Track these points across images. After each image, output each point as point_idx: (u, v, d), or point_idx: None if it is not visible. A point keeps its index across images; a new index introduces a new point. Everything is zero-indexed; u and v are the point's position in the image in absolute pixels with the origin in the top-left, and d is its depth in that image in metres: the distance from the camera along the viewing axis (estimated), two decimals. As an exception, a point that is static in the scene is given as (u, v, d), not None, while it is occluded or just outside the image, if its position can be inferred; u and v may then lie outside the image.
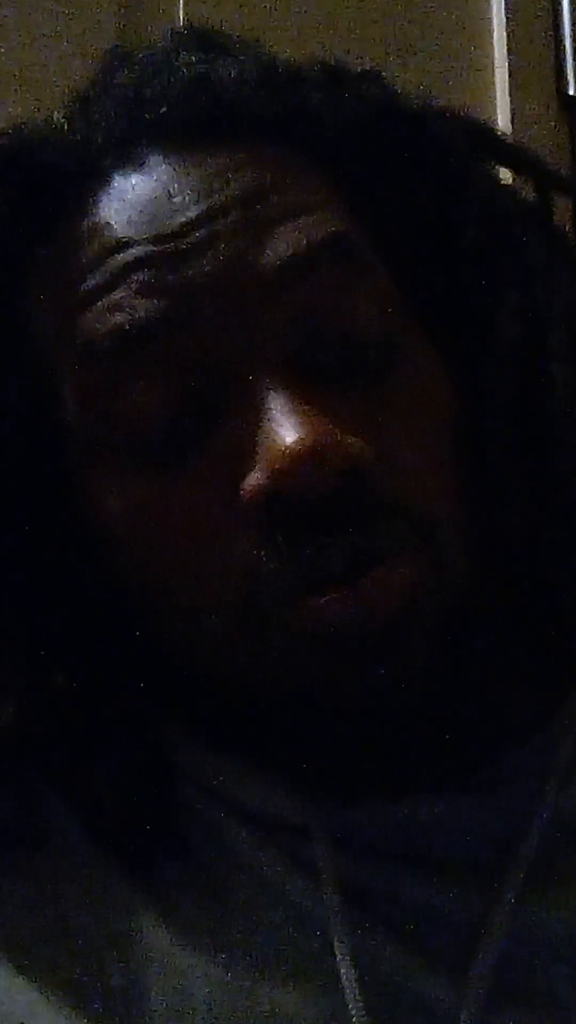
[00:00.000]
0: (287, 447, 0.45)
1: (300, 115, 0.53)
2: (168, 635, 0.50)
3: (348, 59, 0.57)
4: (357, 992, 0.48)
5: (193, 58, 0.54)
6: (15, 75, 1.07)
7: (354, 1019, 0.48)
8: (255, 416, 0.47)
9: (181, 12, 1.13)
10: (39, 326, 0.52)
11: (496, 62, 1.25)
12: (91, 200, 0.52)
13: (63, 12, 1.11)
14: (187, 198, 0.50)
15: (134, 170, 0.51)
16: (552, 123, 1.25)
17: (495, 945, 0.49)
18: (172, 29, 0.58)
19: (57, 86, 0.59)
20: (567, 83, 1.27)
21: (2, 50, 1.08)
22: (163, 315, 0.48)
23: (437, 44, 1.22)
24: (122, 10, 1.13)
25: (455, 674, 0.48)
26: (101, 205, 0.51)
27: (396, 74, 0.58)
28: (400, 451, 0.48)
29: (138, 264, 0.49)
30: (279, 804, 0.51)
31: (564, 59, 1.28)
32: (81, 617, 0.52)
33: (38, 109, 0.57)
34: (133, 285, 0.49)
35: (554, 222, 0.58)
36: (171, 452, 0.49)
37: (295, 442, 0.45)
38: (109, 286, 0.49)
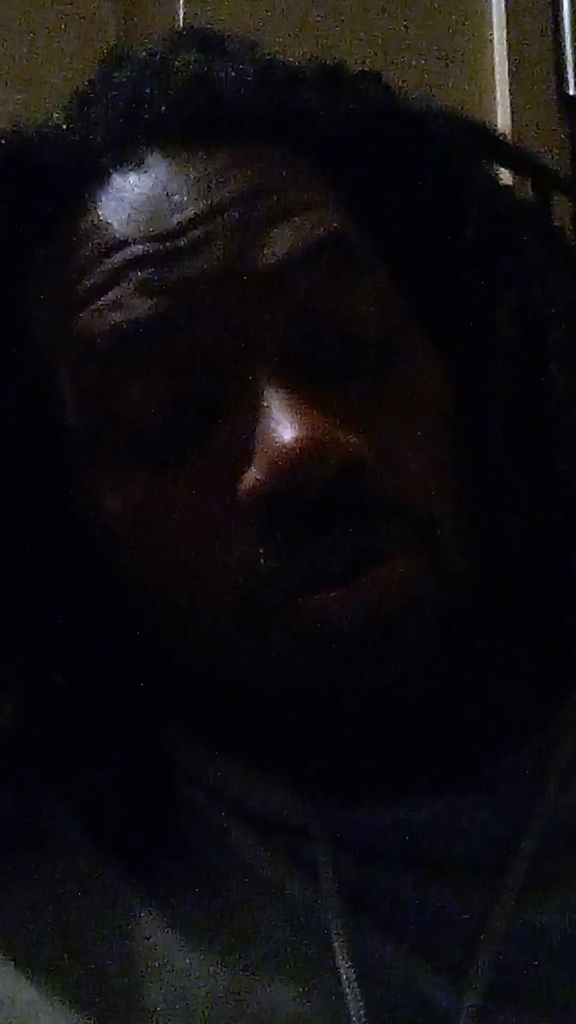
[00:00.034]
0: (285, 445, 0.45)
1: (299, 115, 0.53)
2: (168, 635, 0.50)
3: (348, 59, 0.58)
4: (357, 992, 0.48)
5: (191, 58, 0.54)
6: (15, 75, 1.07)
7: (354, 1019, 0.47)
8: (254, 414, 0.47)
9: (181, 12, 1.13)
10: (39, 326, 0.52)
11: (496, 62, 1.25)
12: (90, 200, 0.52)
13: (63, 12, 1.11)
14: (185, 197, 0.50)
15: (133, 170, 0.51)
16: (552, 123, 1.25)
17: (495, 945, 0.49)
18: (171, 30, 0.58)
19: (57, 86, 0.59)
20: (567, 83, 1.27)
21: (2, 50, 1.08)
22: (161, 313, 0.48)
23: (437, 44, 1.23)
24: (122, 10, 1.13)
25: (455, 674, 0.48)
26: (100, 205, 0.51)
27: (396, 74, 0.59)
28: (399, 450, 0.48)
29: (136, 263, 0.49)
30: (279, 804, 0.51)
31: (564, 59, 1.28)
32: (81, 617, 0.52)
33: (38, 109, 0.57)
34: (131, 284, 0.49)
35: (553, 222, 0.58)
36: (170, 451, 0.49)
37: (293, 440, 0.45)
38: (107, 285, 0.49)
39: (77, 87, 0.56)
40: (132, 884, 0.51)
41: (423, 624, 0.46)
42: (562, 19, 1.29)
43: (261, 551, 0.46)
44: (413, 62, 1.20)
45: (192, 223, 0.49)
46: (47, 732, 0.51)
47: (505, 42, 1.25)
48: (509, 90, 1.23)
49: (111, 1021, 0.49)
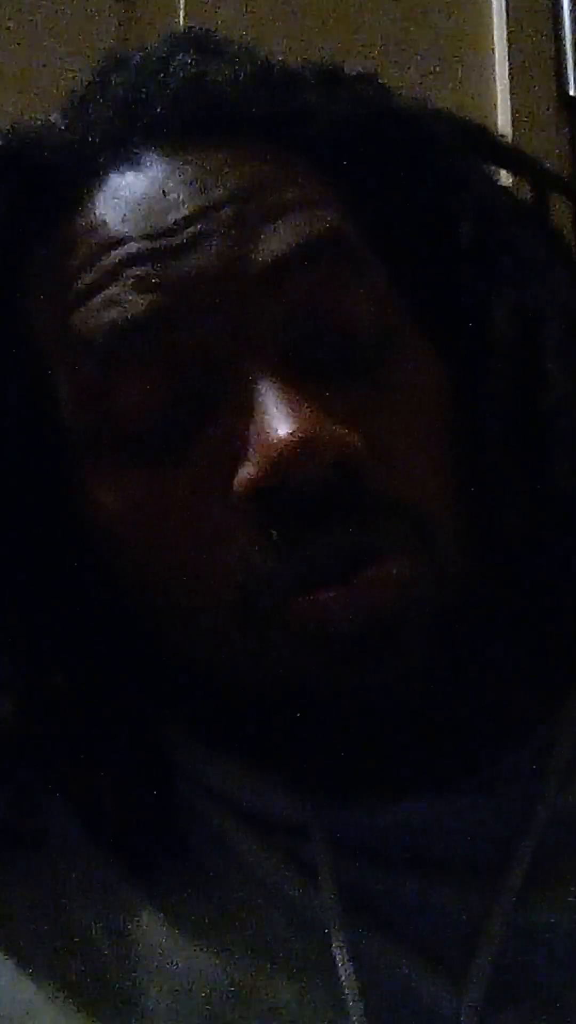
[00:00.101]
0: (279, 439, 0.45)
1: (295, 115, 0.53)
2: (167, 634, 0.50)
3: (348, 60, 0.58)
4: (356, 992, 0.48)
5: (188, 59, 0.54)
6: (15, 75, 1.07)
7: (354, 1019, 0.47)
8: (249, 411, 0.47)
9: (181, 13, 1.13)
10: (37, 325, 0.52)
11: (496, 62, 1.25)
12: (87, 199, 0.52)
13: (63, 12, 1.11)
14: (181, 195, 0.50)
15: (130, 169, 0.52)
16: (552, 123, 1.25)
17: (495, 945, 0.49)
18: (169, 32, 0.59)
19: (57, 86, 0.59)
20: (567, 83, 1.27)
21: (2, 50, 1.08)
22: (157, 310, 0.48)
23: (437, 44, 1.23)
24: (122, 10, 1.13)
25: (454, 674, 0.48)
26: (97, 204, 0.51)
27: (396, 74, 0.59)
28: (397, 449, 0.48)
29: (132, 260, 0.49)
30: (278, 804, 0.51)
31: (564, 59, 1.28)
32: (81, 617, 0.52)
33: (38, 109, 0.57)
34: (127, 281, 0.49)
35: (552, 222, 0.59)
36: (167, 449, 0.49)
37: (287, 434, 0.45)
38: (103, 283, 0.49)
39: (76, 88, 0.56)
40: (132, 884, 0.51)
41: (421, 624, 0.46)
42: (562, 19, 1.29)
43: (257, 549, 0.46)
44: (413, 62, 1.20)
45: (188, 220, 0.49)
46: (47, 732, 0.51)
47: (505, 42, 1.25)
48: (509, 90, 1.23)
49: (111, 1021, 0.49)
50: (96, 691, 0.52)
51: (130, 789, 0.51)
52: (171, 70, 0.54)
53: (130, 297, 0.49)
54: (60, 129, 0.55)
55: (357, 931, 0.49)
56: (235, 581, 0.47)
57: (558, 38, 1.28)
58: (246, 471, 0.46)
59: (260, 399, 0.47)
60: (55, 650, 0.52)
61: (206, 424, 0.48)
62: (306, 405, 0.46)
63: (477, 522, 0.49)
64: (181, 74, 0.53)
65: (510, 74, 1.24)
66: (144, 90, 0.53)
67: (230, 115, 0.52)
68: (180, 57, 0.54)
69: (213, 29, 0.59)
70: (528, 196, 0.60)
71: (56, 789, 0.52)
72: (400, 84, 0.57)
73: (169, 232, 0.49)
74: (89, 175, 0.52)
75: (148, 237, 0.49)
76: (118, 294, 0.49)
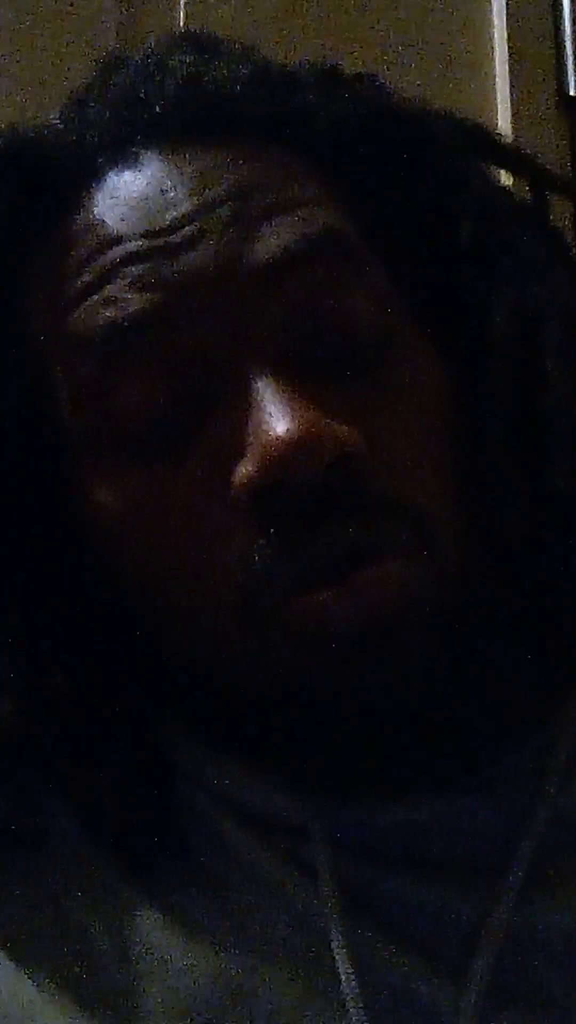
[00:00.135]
0: (277, 436, 0.45)
1: (294, 115, 0.53)
2: (167, 634, 0.50)
3: (348, 61, 0.58)
4: (356, 992, 0.48)
5: (187, 60, 0.54)
6: (15, 75, 1.07)
7: (354, 1019, 0.47)
8: (248, 409, 0.47)
9: (181, 13, 1.13)
10: (37, 325, 0.52)
11: (496, 62, 1.25)
12: (86, 199, 0.52)
13: (63, 12, 1.11)
14: (179, 194, 0.50)
15: (128, 168, 0.52)
16: (552, 123, 1.25)
17: (495, 945, 0.49)
18: (169, 32, 0.59)
19: (57, 86, 0.59)
20: (567, 83, 1.27)
21: (2, 50, 1.08)
22: (155, 309, 0.48)
23: (437, 44, 1.23)
24: (122, 10, 1.13)
25: (454, 674, 0.48)
26: (95, 203, 0.52)
27: (396, 74, 0.59)
28: (396, 448, 0.48)
29: (130, 259, 0.49)
30: (278, 804, 0.51)
31: (564, 59, 1.28)
32: (81, 617, 0.52)
33: (38, 109, 0.57)
34: (125, 280, 0.49)
35: (552, 222, 0.59)
36: (166, 448, 0.49)
37: (285, 432, 0.45)
38: (102, 282, 0.49)
39: (76, 88, 0.57)
40: (132, 884, 0.51)
41: (421, 623, 0.46)
42: (562, 19, 1.28)
43: (255, 547, 0.46)
44: (413, 63, 1.20)
45: (186, 219, 0.49)
46: (47, 732, 0.51)
47: (505, 42, 1.25)
48: (509, 90, 1.23)
49: (110, 1021, 0.49)
50: (96, 691, 0.52)
51: (130, 789, 0.51)
52: (170, 70, 0.54)
53: (129, 296, 0.49)
54: (60, 129, 0.55)
55: (357, 931, 0.49)
56: (235, 581, 0.47)
57: (558, 38, 1.28)
58: (245, 469, 0.46)
59: (259, 398, 0.47)
60: (55, 650, 0.52)
61: (205, 423, 0.48)
62: (305, 404, 0.46)
63: (477, 522, 0.49)
64: (180, 74, 0.53)
65: (510, 74, 1.24)
66: (143, 90, 0.53)
67: (229, 115, 0.53)
68: (179, 57, 0.54)
69: (213, 29, 0.59)
70: (528, 196, 0.60)
71: (56, 789, 0.52)
72: (400, 84, 0.57)
73: (167, 231, 0.49)
74: (88, 175, 0.52)
75: (147, 236, 0.49)
76: (115, 293, 0.49)
